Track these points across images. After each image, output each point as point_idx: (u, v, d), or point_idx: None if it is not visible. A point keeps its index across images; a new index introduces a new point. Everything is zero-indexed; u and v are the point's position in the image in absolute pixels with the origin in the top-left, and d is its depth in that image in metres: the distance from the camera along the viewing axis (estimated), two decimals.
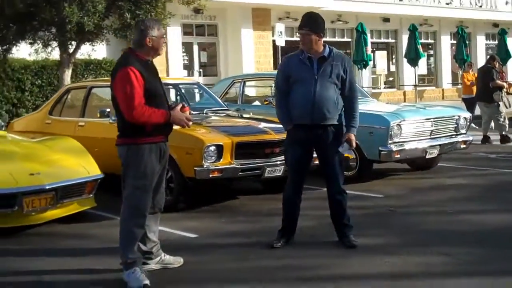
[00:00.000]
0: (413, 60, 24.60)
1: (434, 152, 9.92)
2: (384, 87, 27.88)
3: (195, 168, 7.81)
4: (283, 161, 8.22)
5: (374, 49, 27.27)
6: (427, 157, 9.89)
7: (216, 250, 6.54)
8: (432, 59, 29.48)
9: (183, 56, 21.94)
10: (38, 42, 14.14)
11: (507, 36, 27.70)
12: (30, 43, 14.46)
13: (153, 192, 5.60)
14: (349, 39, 25.55)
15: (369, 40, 25.42)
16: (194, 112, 9.47)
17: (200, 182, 7.99)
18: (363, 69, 23.86)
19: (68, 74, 14.46)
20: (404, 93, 27.36)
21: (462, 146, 10.40)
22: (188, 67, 22.12)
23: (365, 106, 10.32)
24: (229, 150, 7.94)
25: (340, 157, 6.48)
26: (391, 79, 28.30)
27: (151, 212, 5.70)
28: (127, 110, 5.37)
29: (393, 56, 28.07)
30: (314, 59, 6.38)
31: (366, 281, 5.52)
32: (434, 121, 9.94)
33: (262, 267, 5.96)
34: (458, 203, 8.36)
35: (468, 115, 10.49)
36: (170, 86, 10.47)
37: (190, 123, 5.66)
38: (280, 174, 8.34)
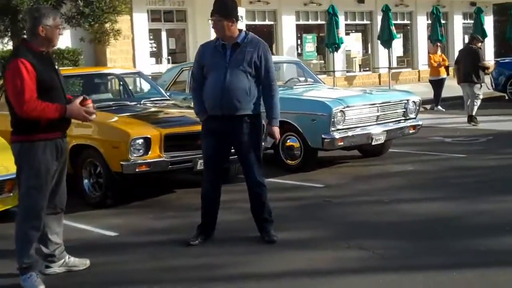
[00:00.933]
0: (386, 41, 24.25)
1: (381, 138, 9.66)
2: (361, 70, 27.56)
3: (121, 163, 7.52)
4: None
5: (350, 31, 26.96)
6: (373, 143, 9.64)
7: (133, 249, 6.27)
8: (408, 40, 29.14)
9: (150, 43, 21.57)
10: None
11: (483, 15, 27.46)
12: None
13: (53, 192, 5.34)
14: (323, 22, 25.13)
15: (343, 23, 25.12)
16: (132, 103, 9.28)
17: (128, 177, 7.71)
18: (335, 52, 23.51)
19: None
20: (379, 75, 27.06)
21: (411, 131, 10.15)
22: (156, 55, 21.77)
23: (310, 92, 10.10)
24: (157, 143, 7.66)
25: (257, 149, 6.19)
26: (367, 62, 27.99)
27: (53, 212, 5.43)
28: (17, 105, 5.08)
29: (368, 38, 27.70)
30: (228, 46, 6.09)
31: (278, 278, 5.28)
32: (380, 106, 9.66)
33: (173, 266, 5.72)
34: (399, 191, 8.12)
35: (417, 99, 10.20)
36: (112, 76, 10.19)
37: (92, 116, 5.35)
38: None
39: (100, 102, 8.95)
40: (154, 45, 21.82)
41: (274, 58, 13.97)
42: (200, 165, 7.94)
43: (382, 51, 25.79)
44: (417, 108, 10.20)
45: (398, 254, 5.70)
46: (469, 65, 14.24)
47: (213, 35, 20.11)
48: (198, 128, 7.86)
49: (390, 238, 6.19)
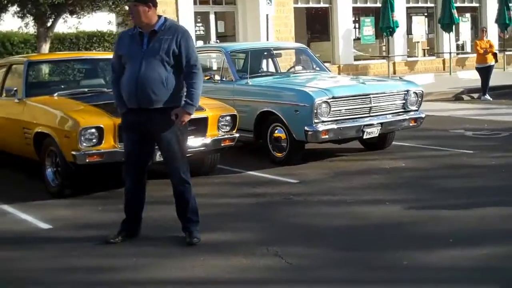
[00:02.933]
0: (447, 25, 23.27)
1: (374, 132, 9.05)
2: (425, 55, 26.48)
3: (72, 152, 7.29)
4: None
5: (413, 14, 25.94)
6: (365, 137, 9.05)
7: (52, 245, 6.04)
8: (476, 24, 27.74)
9: (198, 26, 21.33)
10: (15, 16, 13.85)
11: None
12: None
13: None
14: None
15: (403, 5, 24.19)
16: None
17: (82, 167, 7.47)
18: (390, 37, 22.62)
19: (45, 48, 14.12)
20: (443, 61, 25.88)
21: (412, 124, 9.47)
22: (204, 38, 21.50)
23: (301, 81, 9.59)
24: (111, 132, 7.38)
25: (179, 143, 5.79)
26: (431, 46, 26.86)
27: None
28: None
29: (433, 22, 26.54)
30: (145, 34, 5.71)
31: (164, 286, 4.92)
32: (374, 97, 9.03)
33: (75, 267, 5.42)
34: (371, 191, 7.55)
35: (419, 89, 9.50)
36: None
37: None
38: None
39: (78, 88, 8.80)
40: (202, 28, 21.56)
41: (280, 44, 13.59)
42: (159, 156, 7.62)
43: (447, 35, 24.61)
44: (419, 99, 9.50)
45: (309, 265, 5.21)
46: None
47: (264, 18, 19.52)
48: None
49: (316, 245, 5.70)
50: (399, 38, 24.60)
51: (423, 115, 9.56)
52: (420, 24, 26.35)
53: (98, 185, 8.09)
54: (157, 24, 5.69)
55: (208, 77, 10.08)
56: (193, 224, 5.91)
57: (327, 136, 8.68)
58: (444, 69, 25.57)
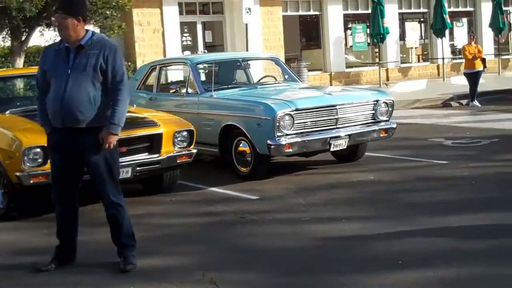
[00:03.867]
0: (440, 31, 22.90)
1: (342, 144, 8.70)
2: (419, 61, 26.12)
3: (16, 174, 6.98)
4: (134, 161, 7.41)
5: (406, 20, 25.60)
6: (332, 149, 8.70)
7: None
8: (472, 28, 27.34)
9: (185, 36, 21.05)
10: None
11: None
12: None
13: None
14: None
15: (395, 11, 23.88)
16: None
17: (29, 188, 7.15)
18: (380, 43, 22.28)
19: (19, 62, 13.88)
20: (438, 66, 25.48)
21: (382, 135, 9.11)
22: (192, 48, 21.21)
23: (266, 93, 9.25)
24: None
25: (109, 165, 5.44)
26: (426, 52, 26.50)
27: None
28: None
29: (427, 27, 26.16)
30: (71, 49, 5.38)
31: None
32: (340, 108, 8.68)
33: None
34: (330, 207, 7.20)
35: (389, 99, 9.15)
36: None
37: None
38: (129, 176, 7.42)
39: (33, 105, 8.46)
40: (189, 38, 21.27)
41: (250, 55, 13.23)
42: (125, 173, 7.32)
43: (440, 41, 24.21)
44: (390, 109, 9.14)
45: None
46: None
47: (251, 27, 19.16)
48: None
49: (256, 269, 5.37)
50: (392, 44, 24.28)
51: (394, 125, 9.20)
52: (413, 29, 26.00)
53: (49, 207, 7.74)
54: (84, 39, 5.37)
55: (174, 90, 9.78)
56: (128, 249, 5.57)
57: (290, 150, 8.33)
58: (438, 74, 25.20)
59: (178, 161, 7.81)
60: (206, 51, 21.47)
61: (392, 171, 8.87)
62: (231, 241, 6.19)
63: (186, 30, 21.14)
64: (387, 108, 9.11)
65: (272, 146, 8.23)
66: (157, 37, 19.97)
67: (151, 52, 19.74)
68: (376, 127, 8.99)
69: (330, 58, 23.43)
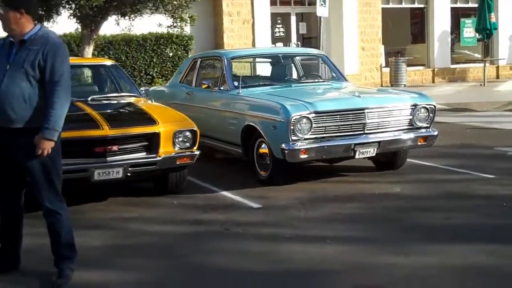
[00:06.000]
0: None
1: (370, 151, 7.88)
2: None
3: None
4: (126, 161, 7.02)
5: None
6: (357, 156, 7.88)
7: None
8: None
9: (277, 27, 20.51)
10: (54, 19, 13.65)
11: None
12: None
13: None
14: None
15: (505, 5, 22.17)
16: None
17: None
18: (486, 40, 20.75)
19: (89, 51, 13.85)
20: None
21: (421, 143, 8.19)
22: (285, 40, 20.64)
23: (293, 92, 8.54)
24: None
25: (47, 170, 5.02)
26: None
27: None
28: None
29: None
30: (15, 44, 5.00)
31: None
32: (369, 112, 7.86)
33: None
34: (327, 224, 6.47)
35: (430, 104, 8.20)
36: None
37: None
38: (120, 176, 7.02)
39: None
40: (282, 29, 20.71)
41: (294, 50, 12.38)
42: (99, 175, 6.95)
43: None
44: (431, 115, 8.20)
45: None
46: None
47: (347, 19, 18.51)
48: (93, 133, 7.00)
49: None
50: (504, 40, 22.65)
51: (435, 133, 8.25)
52: None
53: None
54: (28, 34, 4.97)
55: (206, 85, 9.29)
56: (64, 261, 5.14)
57: (306, 156, 7.61)
58: None
59: (177, 163, 7.32)
60: (299, 43, 20.88)
61: (425, 184, 7.95)
62: (195, 258, 5.60)
63: (279, 21, 20.61)
64: (427, 114, 8.18)
65: (286, 151, 7.56)
66: (247, 28, 19.54)
67: (240, 43, 19.37)
68: (412, 135, 8.09)
69: (434, 53, 22.16)
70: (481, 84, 20.41)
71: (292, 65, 10.24)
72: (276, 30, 20.59)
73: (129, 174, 7.08)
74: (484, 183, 7.88)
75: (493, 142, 10.68)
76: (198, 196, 7.75)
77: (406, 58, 21.17)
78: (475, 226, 6.18)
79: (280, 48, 12.99)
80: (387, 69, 21.07)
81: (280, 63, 9.88)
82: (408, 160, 9.00)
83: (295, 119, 7.49)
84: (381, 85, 21.00)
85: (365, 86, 11.49)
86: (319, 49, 20.76)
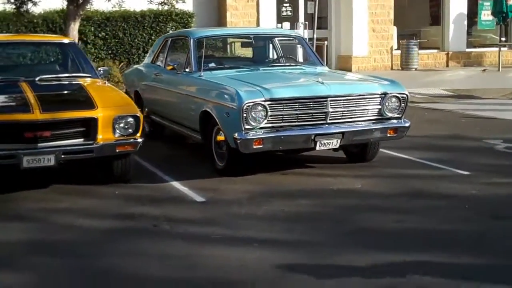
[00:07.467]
0: None
1: (332, 143, 7.27)
2: None
3: None
4: (59, 148, 6.52)
5: None
6: (318, 148, 7.27)
7: None
8: None
9: (284, 7, 19.81)
10: None
11: None
12: None
13: None
14: None
15: None
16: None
17: None
18: (502, 23, 19.80)
19: (74, 27, 13.36)
20: None
21: (390, 134, 7.55)
22: (292, 20, 19.94)
23: (261, 75, 7.95)
24: None
25: None
26: None
27: None
28: None
29: None
30: None
31: None
32: (332, 101, 7.24)
33: None
34: (267, 223, 5.90)
35: (401, 93, 7.54)
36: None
37: None
38: (52, 164, 6.52)
39: None
40: (289, 8, 19.99)
41: (266, 31, 11.68)
42: (28, 162, 6.46)
43: None
44: (402, 105, 7.55)
45: None
46: None
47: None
48: (22, 117, 6.52)
49: None
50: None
51: (406, 124, 7.60)
52: None
53: None
54: None
55: (171, 67, 8.74)
56: None
57: (261, 146, 7.02)
58: None
59: (117, 151, 6.80)
60: (306, 23, 20.15)
61: (391, 180, 7.34)
62: (105, 259, 5.09)
63: (286, 0, 19.89)
64: (398, 103, 7.53)
65: (239, 141, 6.98)
66: (251, 6, 18.91)
67: (244, 22, 18.77)
68: (381, 125, 7.45)
69: (449, 36, 21.26)
70: (497, 70, 19.51)
71: (270, 46, 9.61)
72: (283, 9, 19.89)
73: (62, 162, 6.58)
74: (455, 180, 7.23)
75: (485, 133, 9.98)
76: (144, 186, 7.23)
77: (418, 41, 20.36)
78: (425, 232, 5.56)
79: (254, 29, 12.36)
80: (398, 52, 20.28)
81: (253, 45, 9.26)
82: (384, 151, 8.43)
83: (248, 106, 6.90)
84: (391, 69, 20.26)
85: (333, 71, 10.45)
86: (327, 29, 20.26)
